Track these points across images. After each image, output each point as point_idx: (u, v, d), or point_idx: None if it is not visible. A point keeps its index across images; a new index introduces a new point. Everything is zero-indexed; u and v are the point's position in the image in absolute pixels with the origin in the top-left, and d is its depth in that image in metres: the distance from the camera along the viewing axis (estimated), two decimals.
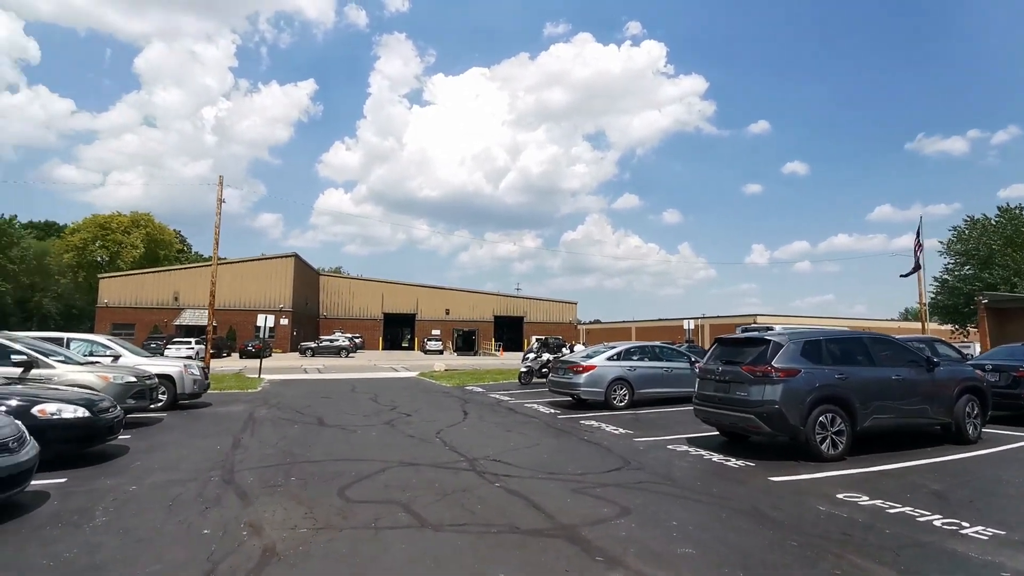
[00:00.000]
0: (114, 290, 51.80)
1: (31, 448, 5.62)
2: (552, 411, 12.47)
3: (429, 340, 54.69)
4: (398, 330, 69.20)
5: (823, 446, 7.37)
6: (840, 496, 5.86)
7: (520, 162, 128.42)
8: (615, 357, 13.01)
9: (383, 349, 61.83)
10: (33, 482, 6.21)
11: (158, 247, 70.90)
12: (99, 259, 66.32)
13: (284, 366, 31.21)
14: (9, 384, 7.85)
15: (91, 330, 48.18)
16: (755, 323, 50.35)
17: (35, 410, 6.89)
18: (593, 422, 10.83)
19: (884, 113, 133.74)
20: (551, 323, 68.29)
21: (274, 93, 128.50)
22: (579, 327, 72.59)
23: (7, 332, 12.11)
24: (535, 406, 13.29)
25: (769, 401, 7.41)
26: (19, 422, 5.87)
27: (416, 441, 9.00)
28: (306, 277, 59.99)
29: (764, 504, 5.59)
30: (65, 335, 12.59)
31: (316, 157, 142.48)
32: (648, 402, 12.99)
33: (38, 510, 5.39)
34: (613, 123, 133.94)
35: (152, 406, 10.94)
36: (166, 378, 12.09)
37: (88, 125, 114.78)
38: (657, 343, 15.25)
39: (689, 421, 10.63)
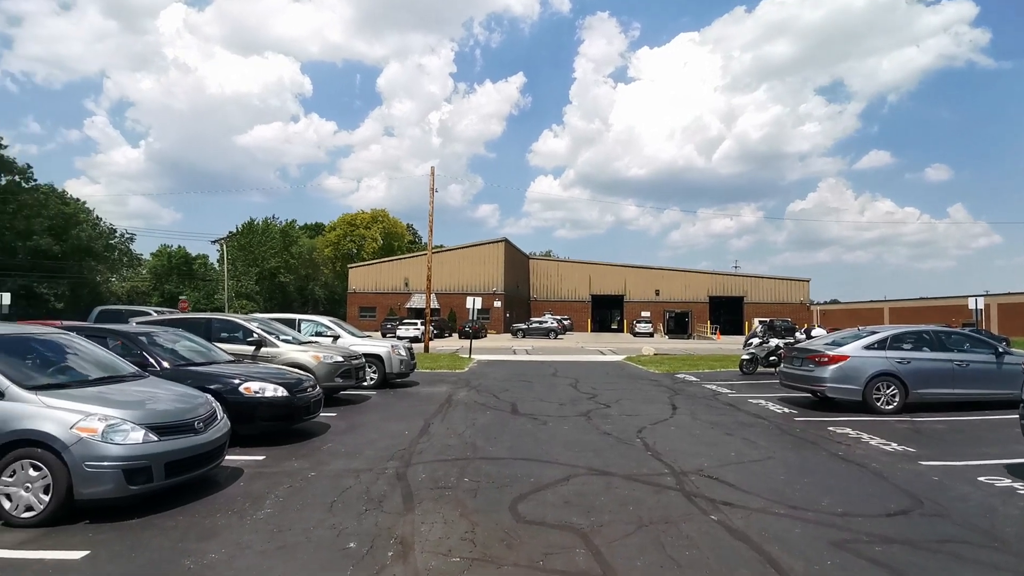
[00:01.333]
0: (360, 278, 59.92)
1: (221, 426, 5.63)
2: (786, 410, 10.04)
3: (638, 322, 52.44)
4: (607, 312, 68.21)
5: None
6: None
7: (736, 129, 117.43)
8: (876, 345, 9.92)
9: (592, 331, 61.52)
10: (239, 457, 6.42)
11: (392, 239, 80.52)
12: (349, 251, 77.68)
13: (495, 347, 32.33)
14: (233, 362, 8.49)
15: (345, 314, 56.53)
16: None
17: (242, 387, 7.22)
18: (849, 430, 8.24)
19: None
20: (777, 303, 60.89)
21: (487, 91, 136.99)
22: (812, 308, 63.37)
23: (255, 315, 13.82)
24: (762, 403, 10.92)
25: None
26: (215, 402, 5.98)
27: (612, 441, 7.63)
28: (517, 261, 62.32)
29: None
30: (297, 316, 13.96)
31: (527, 147, 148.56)
32: (928, 406, 9.71)
33: (221, 492, 5.33)
34: (855, 69, 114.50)
35: (362, 384, 11.38)
36: (376, 358, 12.60)
37: (346, 141, 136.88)
38: (940, 327, 11.50)
39: (1001, 437, 7.51)
